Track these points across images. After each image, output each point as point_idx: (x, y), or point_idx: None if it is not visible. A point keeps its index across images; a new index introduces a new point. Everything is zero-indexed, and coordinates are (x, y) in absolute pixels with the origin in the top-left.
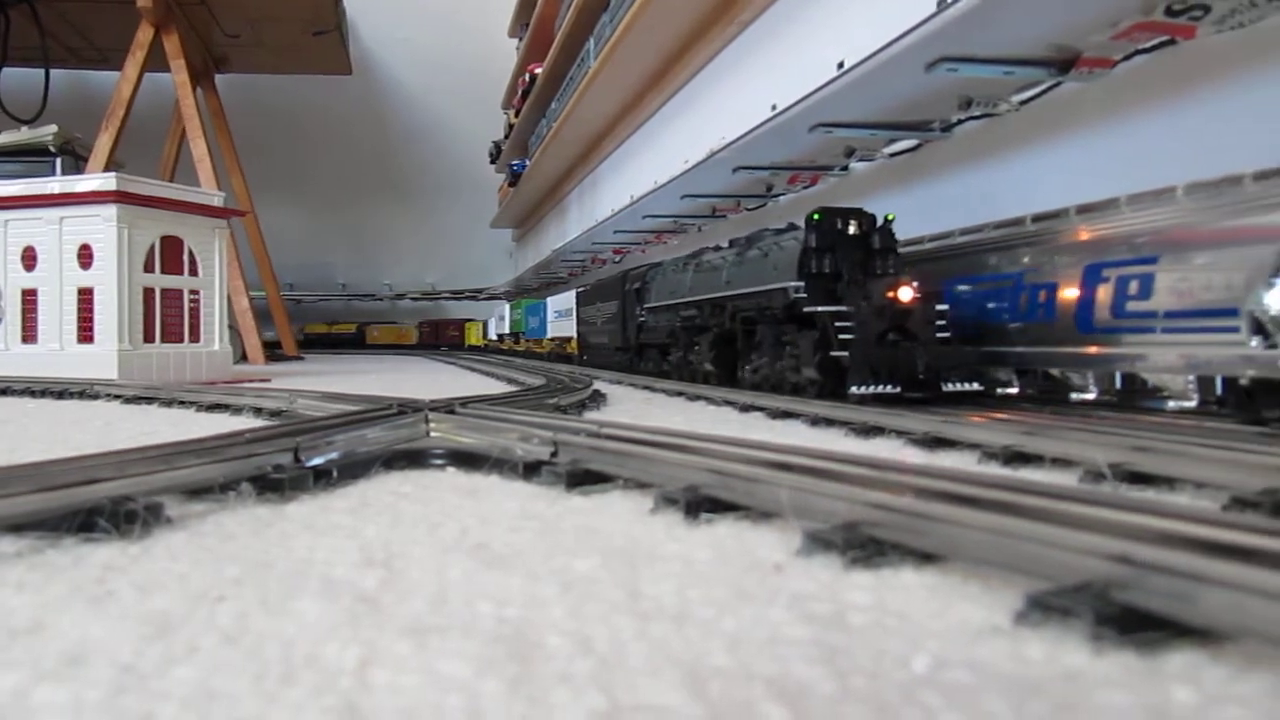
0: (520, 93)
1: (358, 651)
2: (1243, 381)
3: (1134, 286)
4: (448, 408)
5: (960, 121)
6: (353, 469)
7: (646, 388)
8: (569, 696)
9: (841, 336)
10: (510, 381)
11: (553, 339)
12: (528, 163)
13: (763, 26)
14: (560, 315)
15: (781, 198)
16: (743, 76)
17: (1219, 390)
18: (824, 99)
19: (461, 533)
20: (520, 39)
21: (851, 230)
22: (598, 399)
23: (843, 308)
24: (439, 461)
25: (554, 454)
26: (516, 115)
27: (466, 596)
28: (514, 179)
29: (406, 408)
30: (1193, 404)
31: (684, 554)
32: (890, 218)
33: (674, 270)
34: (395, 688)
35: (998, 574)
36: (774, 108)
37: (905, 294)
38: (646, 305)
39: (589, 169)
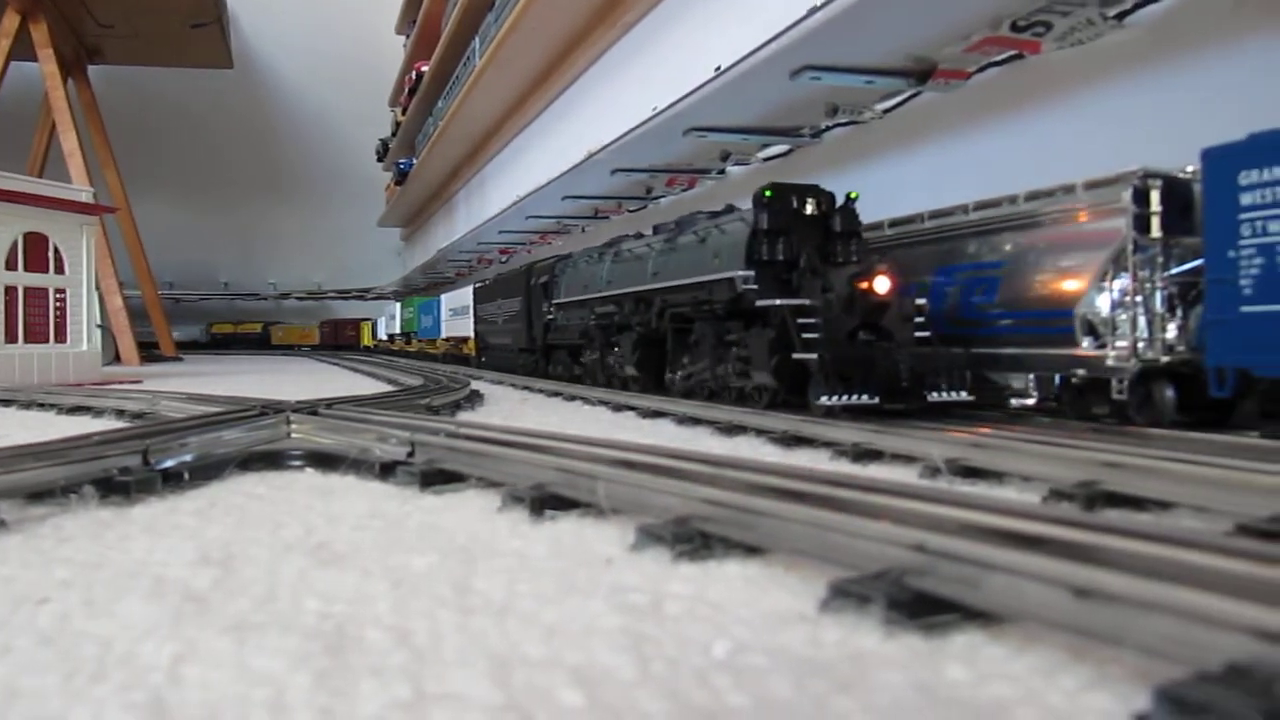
0: (407, 90)
1: (174, 649)
2: (1074, 380)
3: (980, 289)
4: (312, 409)
5: (829, 128)
6: (206, 471)
7: (526, 388)
8: (375, 688)
9: (805, 335)
10: (390, 382)
11: (448, 339)
12: (414, 161)
13: (645, 30)
14: (456, 314)
15: (662, 200)
16: (623, 79)
17: (1056, 388)
18: (698, 104)
19: (305, 532)
20: (407, 36)
21: (809, 210)
22: (474, 399)
23: (804, 301)
24: (297, 463)
25: (410, 454)
26: (404, 113)
27: (295, 594)
28: (401, 177)
29: (269, 409)
30: (1032, 401)
31: (522, 550)
32: (853, 196)
33: (587, 262)
34: (205, 683)
35: (815, 564)
36: (655, 109)
37: (881, 285)
38: (555, 301)
39: (476, 169)
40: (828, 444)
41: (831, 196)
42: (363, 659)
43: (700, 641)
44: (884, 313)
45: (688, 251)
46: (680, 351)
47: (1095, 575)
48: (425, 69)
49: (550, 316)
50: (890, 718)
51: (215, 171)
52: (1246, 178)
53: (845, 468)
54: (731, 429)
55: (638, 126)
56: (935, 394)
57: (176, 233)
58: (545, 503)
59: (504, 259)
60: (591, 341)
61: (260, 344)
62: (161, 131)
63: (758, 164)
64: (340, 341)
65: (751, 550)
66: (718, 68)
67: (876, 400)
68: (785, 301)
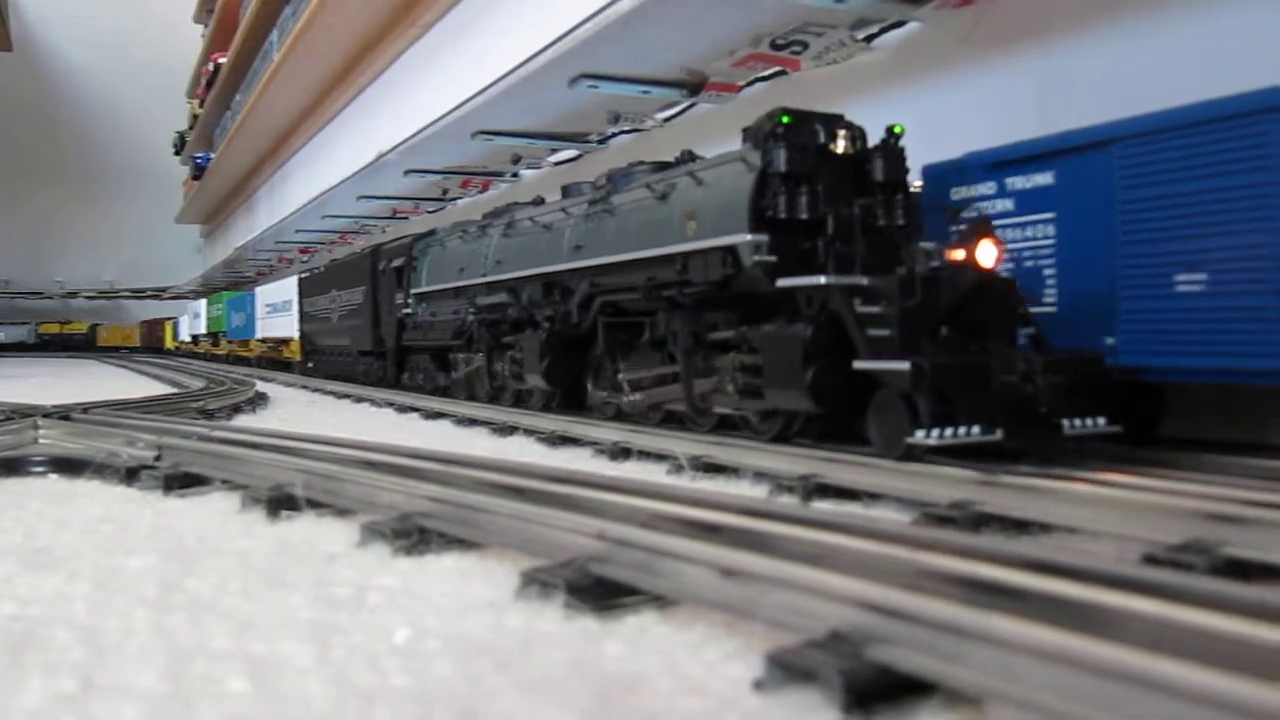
0: (205, 82)
1: None
2: None
3: None
4: (64, 414)
5: (614, 135)
6: None
7: (319, 390)
8: (43, 683)
9: (872, 333)
10: (174, 385)
11: (264, 340)
12: (212, 156)
13: (443, 30)
14: (275, 310)
15: (459, 201)
16: (421, 79)
17: None
18: (486, 107)
19: (26, 538)
20: (205, 25)
21: (840, 147)
22: (257, 402)
23: (862, 279)
24: (40, 469)
25: (158, 457)
26: (201, 105)
27: None
28: (199, 172)
29: (16, 414)
30: None
31: (248, 549)
32: (897, 131)
33: (462, 238)
34: None
35: (527, 557)
36: (449, 110)
37: (987, 255)
38: (416, 291)
39: (278, 165)
40: (592, 442)
41: (865, 133)
42: (42, 657)
43: (387, 630)
44: (989, 300)
45: (634, 214)
46: (618, 356)
47: (740, 557)
48: (223, 60)
49: (407, 311)
50: (534, 690)
51: None
52: (957, 192)
53: (603, 466)
54: (505, 429)
55: (426, 127)
56: (1074, 423)
57: None
58: (282, 503)
59: (305, 259)
60: (471, 343)
61: (87, 345)
62: None
63: (549, 167)
64: (151, 343)
65: (471, 544)
66: (505, 73)
67: (998, 435)
68: (838, 280)
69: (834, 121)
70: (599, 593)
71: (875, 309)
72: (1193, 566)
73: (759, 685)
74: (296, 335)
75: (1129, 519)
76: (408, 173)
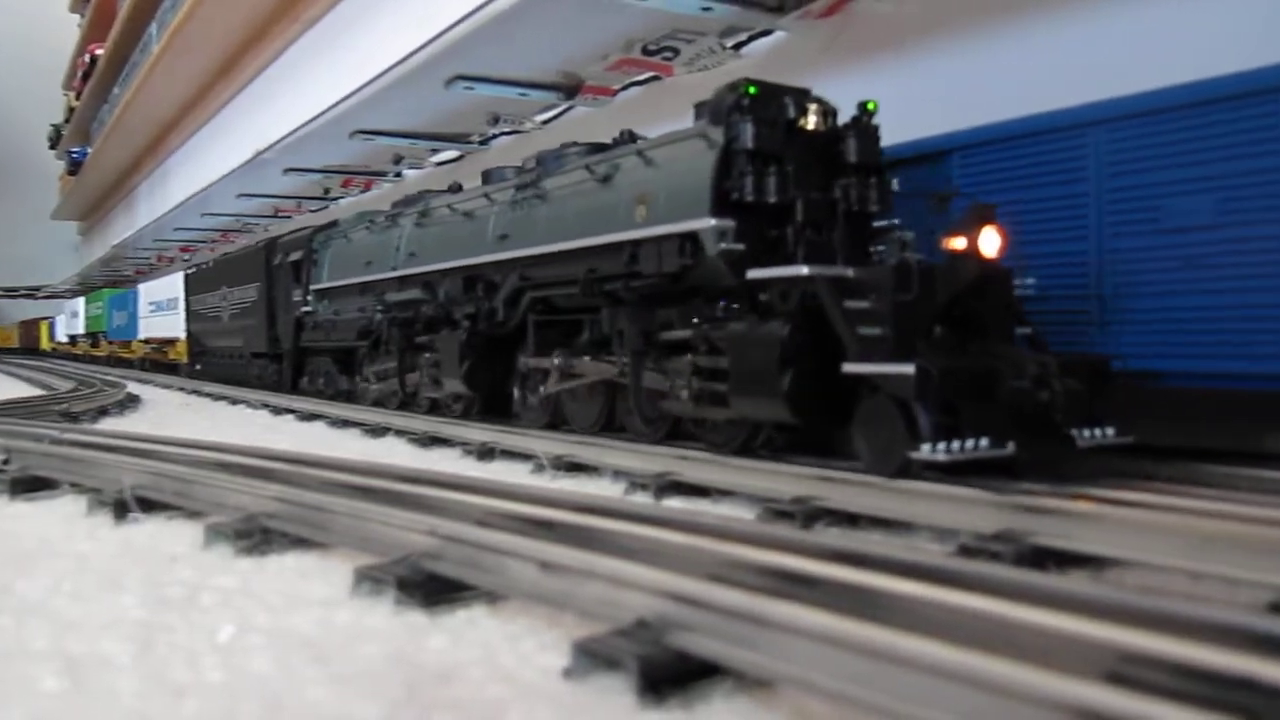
0: (81, 74)
1: None
2: None
3: None
4: None
5: (495, 136)
6: None
7: (196, 393)
8: None
9: (864, 331)
10: (44, 387)
11: (148, 341)
12: (89, 150)
13: (326, 27)
14: (159, 308)
15: (341, 200)
16: (303, 76)
17: None
18: (364, 106)
19: None
20: (82, 15)
21: (811, 123)
22: (127, 405)
23: (846, 272)
24: None
25: (5, 461)
26: (78, 98)
27: None
28: (75, 167)
29: None
30: None
31: (88, 552)
32: (870, 107)
33: (369, 229)
34: None
35: (366, 554)
36: (326, 109)
37: (990, 243)
38: (317, 287)
39: (158, 161)
40: (462, 442)
41: (835, 109)
42: None
43: (213, 628)
44: (982, 294)
45: (571, 199)
46: (550, 355)
47: (558, 551)
48: (100, 52)
49: (306, 309)
50: (346, 682)
51: None
52: None
53: (469, 466)
54: (378, 430)
55: (303, 126)
56: (1088, 433)
57: None
58: (126, 506)
59: (186, 257)
60: (380, 344)
61: None
62: None
63: (431, 167)
64: (30, 344)
65: (314, 544)
66: (382, 70)
67: (1010, 448)
68: (822, 271)
69: (803, 95)
70: (431, 589)
71: (864, 304)
72: (1001, 555)
73: (568, 673)
74: (183, 335)
75: (940, 511)
76: (287, 171)
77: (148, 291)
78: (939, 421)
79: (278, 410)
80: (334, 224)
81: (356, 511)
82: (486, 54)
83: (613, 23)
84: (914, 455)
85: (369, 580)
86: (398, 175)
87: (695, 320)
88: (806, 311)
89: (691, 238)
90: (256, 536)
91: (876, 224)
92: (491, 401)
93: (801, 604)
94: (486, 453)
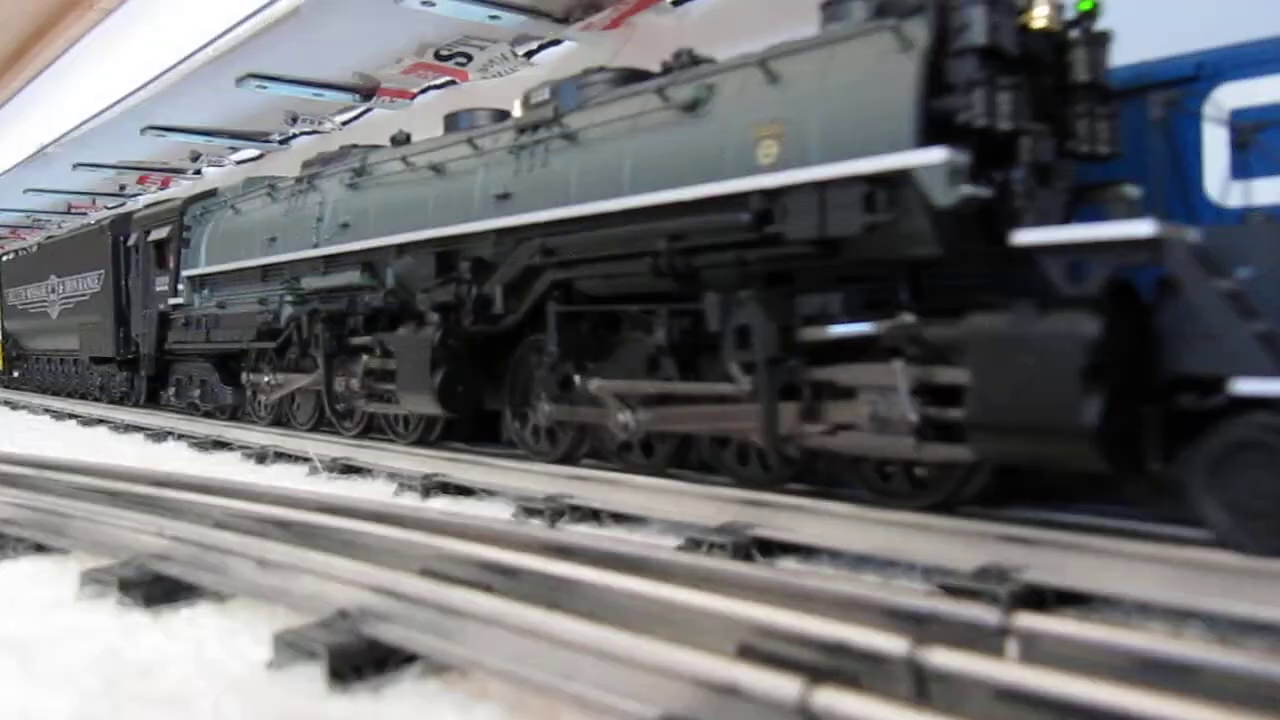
0: None
1: None
2: None
3: None
4: None
5: (295, 135)
6: None
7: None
8: None
9: (1246, 329)
10: None
11: None
12: None
13: (120, 18)
14: None
15: (139, 197)
16: (91, 67)
17: None
18: (155, 102)
19: None
20: None
21: (1041, 18)
22: None
23: (1194, 233)
24: None
25: None
26: None
27: None
28: None
29: None
30: None
31: None
32: (1088, 6)
33: (269, 196)
34: None
35: (101, 557)
36: (113, 103)
37: None
38: (193, 273)
39: None
40: (243, 445)
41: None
42: None
43: None
44: None
45: (623, 141)
46: (586, 363)
47: (273, 548)
48: None
49: (176, 302)
50: (41, 679)
51: None
52: None
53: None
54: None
55: (91, 119)
56: None
57: None
58: None
59: None
60: (289, 345)
61: None
62: None
63: (231, 165)
64: None
65: (53, 549)
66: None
67: None
68: (1173, 233)
69: None
70: (155, 588)
71: (1227, 284)
72: (724, 546)
73: (270, 664)
74: None
75: (678, 504)
76: (77, 166)
77: None
78: None
79: (59, 415)
80: (211, 193)
81: (90, 514)
82: (279, 53)
83: (404, 27)
84: None
85: (95, 582)
86: (197, 173)
87: (900, 308)
88: (1121, 297)
89: (890, 181)
90: None
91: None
92: (471, 423)
93: (483, 592)
94: (265, 456)
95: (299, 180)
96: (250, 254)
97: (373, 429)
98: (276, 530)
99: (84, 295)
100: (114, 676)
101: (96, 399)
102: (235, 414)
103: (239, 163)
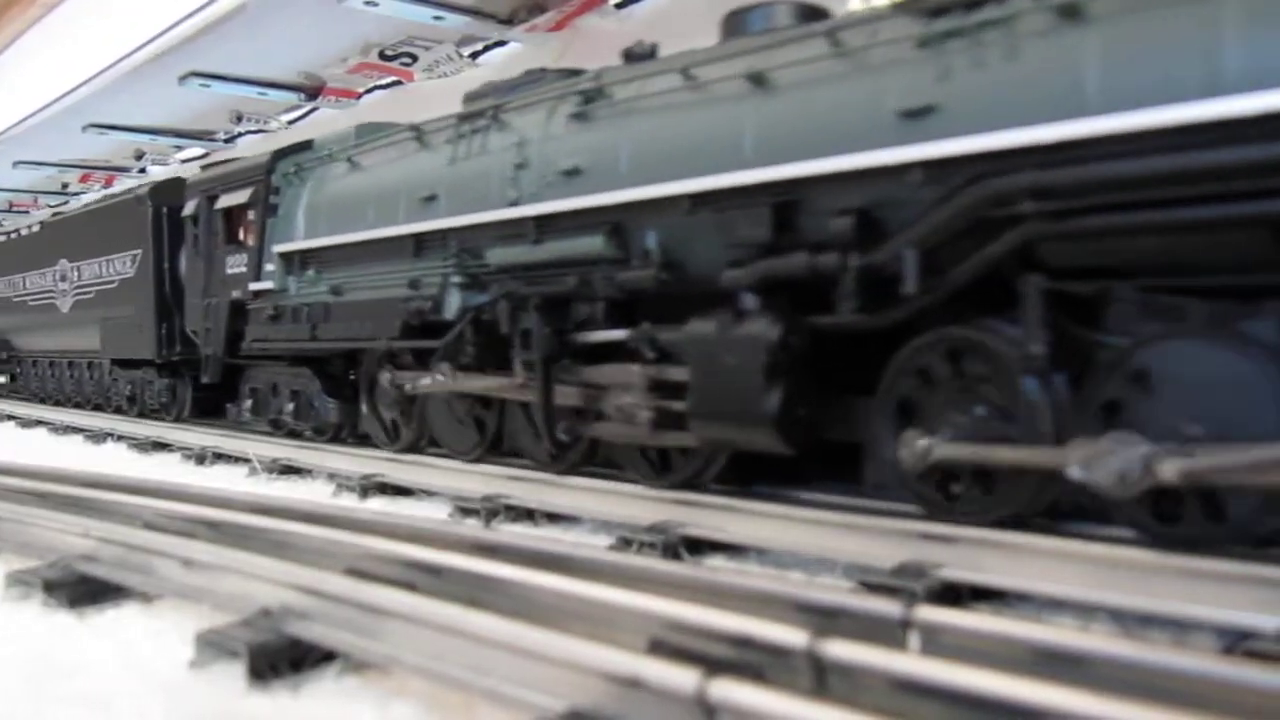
0: None
1: None
2: None
3: None
4: None
5: (241, 134)
6: None
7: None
8: None
9: None
10: None
11: None
12: None
13: (65, 12)
14: None
15: (83, 195)
16: (32, 63)
17: None
18: (96, 99)
19: None
20: None
21: None
22: None
23: None
24: None
25: None
26: None
27: None
28: None
29: None
30: None
31: None
32: None
33: (416, 143)
34: None
35: (28, 559)
36: (53, 100)
37: None
38: (287, 249)
39: None
40: (184, 446)
41: None
42: None
43: None
44: None
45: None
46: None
47: (198, 549)
48: None
49: (263, 286)
50: None
51: None
52: None
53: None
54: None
55: (30, 116)
56: None
57: None
58: None
59: None
60: (463, 341)
61: None
62: None
63: (177, 162)
64: None
65: None
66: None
67: None
68: None
69: None
70: (83, 589)
71: None
72: (654, 545)
73: (193, 664)
74: None
75: (610, 504)
76: (18, 164)
77: None
78: None
79: (62, 429)
80: (306, 145)
81: (19, 516)
82: (222, 52)
83: (348, 27)
84: None
85: (20, 584)
86: (141, 171)
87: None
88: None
89: None
90: None
91: None
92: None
93: (405, 591)
94: (204, 457)
95: (467, 117)
96: (387, 220)
97: (611, 463)
98: (206, 531)
99: (110, 282)
100: (37, 677)
101: (122, 411)
102: (338, 435)
103: (183, 161)
